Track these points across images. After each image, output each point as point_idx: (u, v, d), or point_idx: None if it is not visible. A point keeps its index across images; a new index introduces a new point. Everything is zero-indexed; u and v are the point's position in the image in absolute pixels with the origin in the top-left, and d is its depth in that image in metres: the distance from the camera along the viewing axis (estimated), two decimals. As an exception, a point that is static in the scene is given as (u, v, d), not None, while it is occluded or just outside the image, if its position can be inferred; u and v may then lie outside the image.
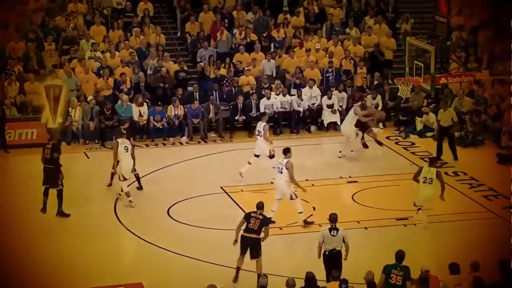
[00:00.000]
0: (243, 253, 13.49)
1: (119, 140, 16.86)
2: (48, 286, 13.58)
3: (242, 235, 13.49)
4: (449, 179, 18.22)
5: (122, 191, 16.82)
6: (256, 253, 13.46)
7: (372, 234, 15.73)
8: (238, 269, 13.55)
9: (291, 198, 15.78)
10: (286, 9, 25.38)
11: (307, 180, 18.48)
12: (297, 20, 25.18)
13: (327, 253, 12.91)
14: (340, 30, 25.04)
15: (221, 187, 18.01)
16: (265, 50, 24.13)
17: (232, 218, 16.22)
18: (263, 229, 13.50)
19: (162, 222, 16.10)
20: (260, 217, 13.59)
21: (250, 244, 13.43)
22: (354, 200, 17.46)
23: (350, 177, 18.72)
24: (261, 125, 18.52)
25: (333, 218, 13.11)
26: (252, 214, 13.63)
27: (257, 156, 18.53)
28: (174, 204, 16.92)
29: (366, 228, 16.00)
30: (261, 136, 18.44)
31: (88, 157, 20.19)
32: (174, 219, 16.34)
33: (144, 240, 15.34)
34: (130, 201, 16.68)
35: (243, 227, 13.50)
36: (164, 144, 21.47)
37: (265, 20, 24.88)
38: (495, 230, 15.44)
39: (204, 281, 11.91)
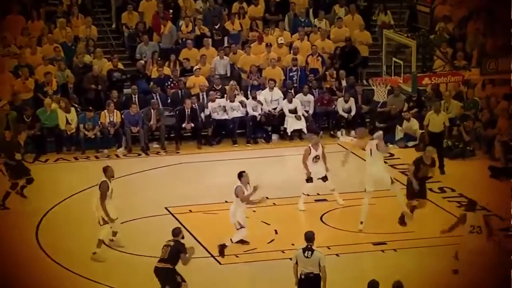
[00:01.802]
0: None
1: (110, 184, 16.12)
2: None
3: (155, 267, 13.76)
4: (435, 196, 18.47)
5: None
6: (173, 285, 13.64)
7: (346, 261, 15.83)
8: None
9: (236, 228, 15.81)
10: (242, -4, 25.55)
11: (267, 198, 18.51)
12: (255, 10, 25.37)
13: (302, 277, 12.96)
14: (306, 22, 25.27)
15: (165, 208, 18.00)
16: (217, 45, 24.22)
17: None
18: (181, 257, 13.77)
19: (88, 248, 15.98)
20: (171, 243, 13.83)
21: (163, 276, 13.68)
22: (323, 222, 17.58)
23: (318, 194, 18.84)
24: None
25: (309, 237, 13.15)
26: (165, 243, 13.89)
27: None
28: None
29: (337, 254, 16.09)
30: None
31: (4, 173, 20.02)
32: (110, 247, 16.26)
33: (70, 271, 15.27)
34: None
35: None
36: (97, 157, 21.42)
37: (217, 9, 25.01)
38: (489, 258, 15.61)
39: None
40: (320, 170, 18.14)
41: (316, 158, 18.06)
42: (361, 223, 16.93)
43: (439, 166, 19.86)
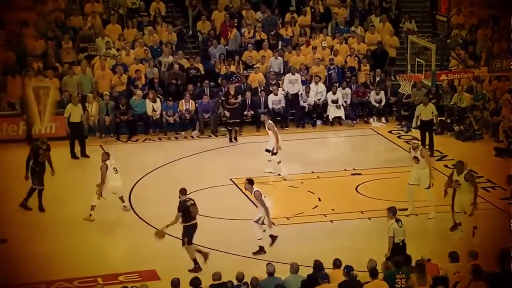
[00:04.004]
0: (192, 242, 13.58)
1: (108, 162, 15.76)
2: (65, 274, 13.63)
3: (186, 226, 13.52)
4: (449, 171, 18.15)
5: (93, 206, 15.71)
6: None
7: (375, 224, 15.70)
8: (195, 261, 13.56)
9: (257, 221, 14.50)
10: (293, 9, 25.32)
11: (312, 172, 18.51)
12: (304, 19, 25.14)
13: (400, 244, 13.00)
14: (345, 29, 24.99)
15: (230, 179, 18.01)
16: (273, 48, 24.10)
17: (241, 208, 16.34)
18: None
19: (174, 213, 16.08)
20: (193, 201, 13.70)
21: (195, 230, 13.57)
22: (358, 192, 17.45)
23: (354, 169, 18.70)
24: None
25: (394, 211, 13.25)
26: (188, 204, 13.59)
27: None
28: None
29: (369, 218, 16.00)
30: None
31: (104, 150, 20.21)
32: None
33: (157, 229, 15.34)
34: (90, 215, 15.75)
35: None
36: (176, 138, 21.49)
37: (273, 19, 24.84)
38: (494, 220, 15.40)
39: (214, 269, 11.93)
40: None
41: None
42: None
43: (429, 147, 19.47)
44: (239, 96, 21.81)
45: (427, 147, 19.34)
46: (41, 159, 15.74)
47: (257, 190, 14.31)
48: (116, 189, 15.96)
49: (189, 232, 13.67)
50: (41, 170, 15.91)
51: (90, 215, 15.68)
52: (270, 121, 18.44)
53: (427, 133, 19.87)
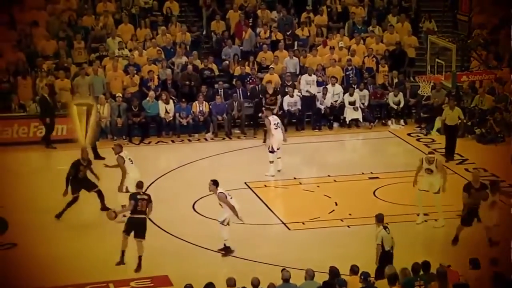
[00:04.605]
0: (128, 233, 13.83)
1: (122, 154, 15.92)
2: (76, 278, 13.69)
3: (130, 217, 13.84)
4: (470, 175, 18.07)
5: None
6: (142, 233, 13.84)
7: (393, 229, 15.55)
8: (123, 252, 13.92)
9: (222, 223, 14.56)
10: (310, 8, 25.31)
11: (329, 176, 18.48)
12: (320, 19, 25.13)
13: (391, 251, 12.94)
14: (362, 29, 24.94)
15: (245, 183, 18.03)
16: (289, 48, 24.09)
17: (256, 213, 16.33)
18: (150, 207, 13.95)
19: (187, 217, 16.17)
20: (145, 197, 13.92)
21: (139, 225, 13.78)
22: (375, 196, 17.40)
23: (371, 173, 18.66)
24: (276, 118, 18.64)
25: (381, 218, 13.18)
26: (138, 196, 13.91)
27: (277, 149, 18.51)
28: (199, 199, 16.96)
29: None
30: (280, 127, 18.35)
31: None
32: (200, 214, 16.39)
33: (170, 234, 15.41)
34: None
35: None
36: (189, 140, 21.54)
37: (289, 19, 24.84)
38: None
39: (228, 274, 11.95)
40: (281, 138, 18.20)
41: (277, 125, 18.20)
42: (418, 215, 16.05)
43: (449, 153, 19.34)
44: (279, 96, 21.71)
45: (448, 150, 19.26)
46: (81, 175, 15.77)
47: (221, 192, 14.39)
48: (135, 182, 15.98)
49: (129, 224, 13.95)
50: (79, 182, 15.89)
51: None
52: (268, 118, 18.51)
53: (450, 138, 19.57)
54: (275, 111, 21.55)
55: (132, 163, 15.93)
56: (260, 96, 22.00)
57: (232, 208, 14.29)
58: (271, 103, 21.62)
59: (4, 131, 20.73)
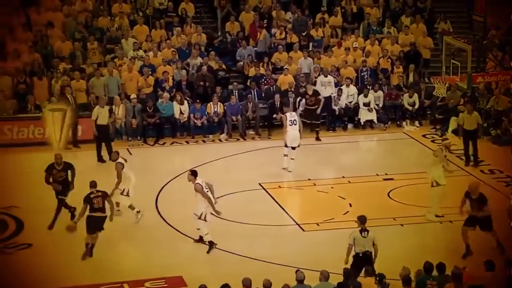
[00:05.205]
0: (94, 233, 14.25)
1: (121, 160, 15.91)
2: (91, 279, 13.75)
3: (88, 215, 14.22)
4: (486, 177, 18.06)
5: (118, 206, 15.66)
6: (102, 228, 14.37)
7: (408, 231, 15.62)
8: (88, 245, 14.30)
9: (199, 218, 14.61)
10: (324, 9, 25.28)
11: (343, 177, 18.46)
12: (335, 20, 25.09)
13: (360, 254, 12.75)
14: (377, 30, 24.89)
15: (259, 184, 18.03)
16: (303, 49, 24.06)
17: (270, 214, 16.34)
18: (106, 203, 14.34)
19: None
20: (100, 193, 14.29)
21: (98, 222, 14.23)
22: (390, 197, 17.35)
23: (386, 174, 18.61)
24: (294, 115, 18.71)
25: (363, 220, 12.99)
26: (91, 195, 14.28)
27: (293, 148, 18.53)
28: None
29: (402, 225, 15.90)
30: (295, 125, 18.45)
31: (131, 154, 20.35)
32: (214, 215, 16.39)
33: (184, 234, 15.43)
34: (138, 211, 15.90)
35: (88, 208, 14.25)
36: (204, 141, 21.56)
37: (304, 19, 24.83)
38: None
39: (242, 275, 11.94)
40: (296, 136, 18.43)
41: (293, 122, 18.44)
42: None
43: (473, 160, 19.19)
44: (320, 97, 21.74)
45: (471, 157, 19.07)
46: (53, 179, 15.51)
47: (198, 183, 14.48)
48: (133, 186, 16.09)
49: (89, 223, 14.29)
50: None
51: (138, 211, 15.79)
52: (285, 114, 18.73)
53: (470, 143, 19.21)
54: (318, 112, 21.45)
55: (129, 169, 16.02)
56: (301, 97, 21.81)
57: (209, 199, 14.42)
58: (311, 103, 21.57)
59: (20, 132, 20.85)
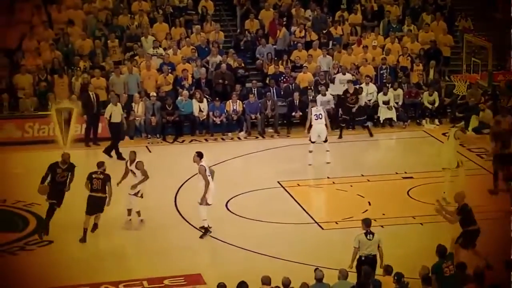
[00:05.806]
0: (91, 214, 14.57)
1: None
2: (110, 276, 13.81)
3: (89, 195, 14.47)
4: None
5: (139, 215, 15.71)
6: (101, 209, 14.68)
7: (428, 229, 15.54)
8: (85, 230, 14.65)
9: (201, 204, 14.82)
10: (344, 7, 25.21)
11: (362, 175, 18.41)
12: (354, 18, 25.02)
13: (363, 258, 12.58)
14: (397, 27, 24.78)
15: (278, 182, 18.02)
16: (323, 47, 24.01)
17: (288, 212, 16.33)
18: (106, 187, 14.51)
19: (220, 215, 16.19)
20: (101, 176, 14.49)
21: (97, 203, 14.48)
22: (409, 196, 17.28)
23: (405, 172, 18.54)
24: (320, 109, 18.90)
25: (367, 223, 12.88)
26: (93, 175, 14.51)
27: (313, 142, 18.65)
28: (232, 198, 17.01)
29: (421, 223, 15.82)
30: (321, 119, 18.60)
31: (150, 151, 20.46)
32: (233, 213, 16.43)
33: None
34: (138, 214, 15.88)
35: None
36: (223, 139, 21.59)
37: (323, 17, 24.78)
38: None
39: (261, 273, 11.95)
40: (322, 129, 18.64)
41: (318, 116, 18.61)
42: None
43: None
44: (361, 96, 21.78)
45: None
46: (58, 179, 15.23)
47: (202, 165, 14.73)
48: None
49: (88, 203, 14.61)
50: (56, 187, 15.32)
51: (138, 213, 15.79)
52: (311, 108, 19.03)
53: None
54: (354, 110, 21.54)
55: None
56: (342, 96, 21.84)
57: (207, 184, 14.61)
58: (352, 102, 21.55)
59: (41, 129, 21.03)
